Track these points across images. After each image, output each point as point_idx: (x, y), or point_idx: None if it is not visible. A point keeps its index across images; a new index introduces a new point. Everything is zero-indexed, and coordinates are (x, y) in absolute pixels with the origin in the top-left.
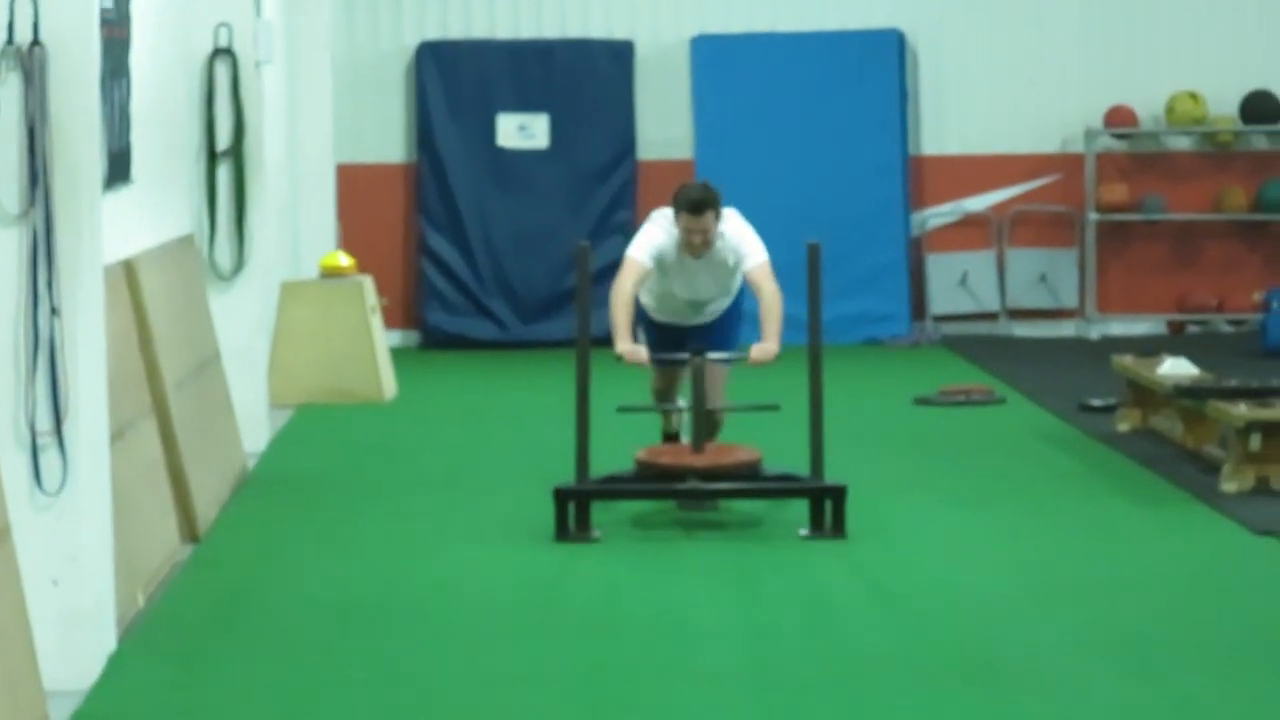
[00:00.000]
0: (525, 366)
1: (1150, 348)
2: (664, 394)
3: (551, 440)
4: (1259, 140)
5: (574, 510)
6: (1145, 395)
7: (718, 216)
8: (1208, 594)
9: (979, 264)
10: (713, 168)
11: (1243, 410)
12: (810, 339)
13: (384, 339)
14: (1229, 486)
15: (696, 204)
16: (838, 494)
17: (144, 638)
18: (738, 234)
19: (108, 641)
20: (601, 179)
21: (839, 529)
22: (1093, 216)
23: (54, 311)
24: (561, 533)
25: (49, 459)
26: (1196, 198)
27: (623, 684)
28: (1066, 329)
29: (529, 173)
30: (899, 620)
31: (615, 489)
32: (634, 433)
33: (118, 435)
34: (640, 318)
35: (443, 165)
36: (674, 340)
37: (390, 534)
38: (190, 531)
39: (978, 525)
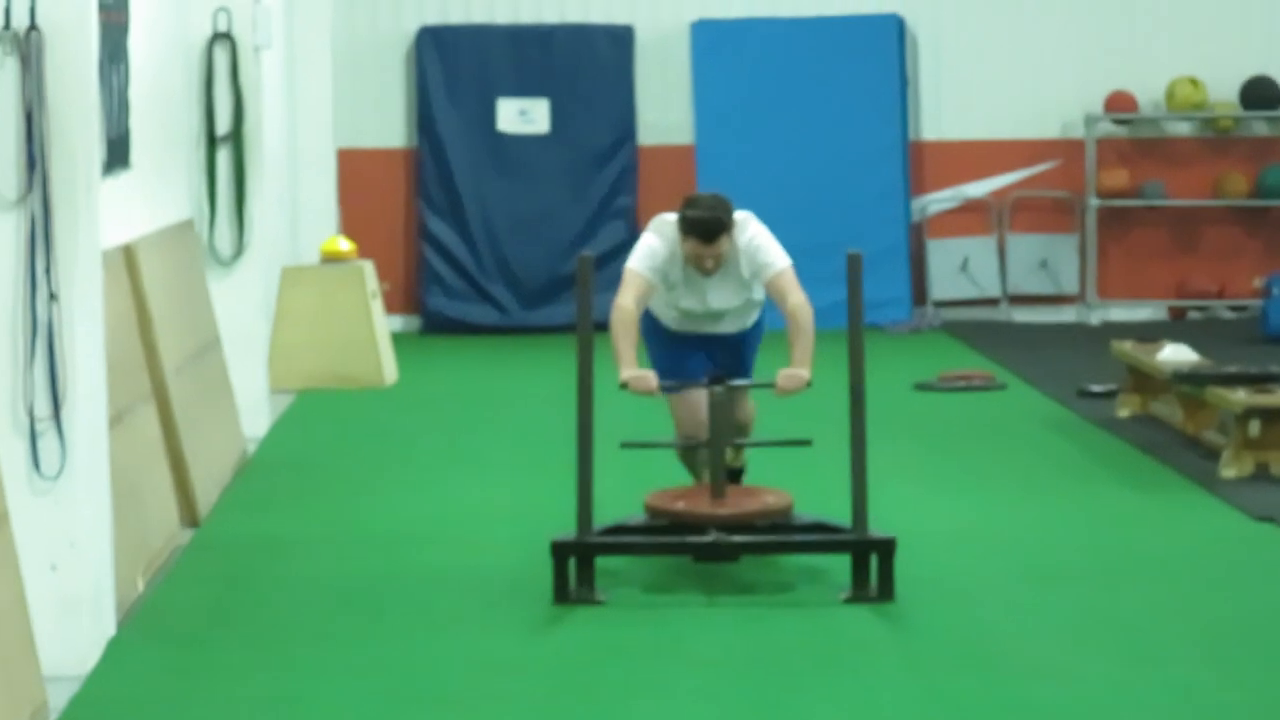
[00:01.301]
0: (526, 351)
1: (1151, 333)
2: (692, 459)
3: (553, 426)
4: (1259, 126)
5: (575, 567)
6: (1145, 381)
7: (730, 233)
8: (1206, 580)
9: (979, 249)
10: (713, 153)
11: (1242, 396)
12: (851, 369)
13: (384, 324)
14: (1228, 472)
15: (708, 231)
16: (885, 548)
17: (143, 623)
18: (754, 242)
19: (107, 627)
20: (602, 164)
21: (887, 590)
22: (1093, 202)
23: (52, 297)
24: (561, 594)
25: (47, 444)
26: (1197, 183)
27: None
28: (1067, 314)
29: (529, 157)
30: (894, 605)
31: (622, 543)
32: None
33: (116, 420)
34: (650, 328)
35: (443, 150)
36: (692, 349)
37: (390, 520)
38: (190, 516)
39: (977, 510)
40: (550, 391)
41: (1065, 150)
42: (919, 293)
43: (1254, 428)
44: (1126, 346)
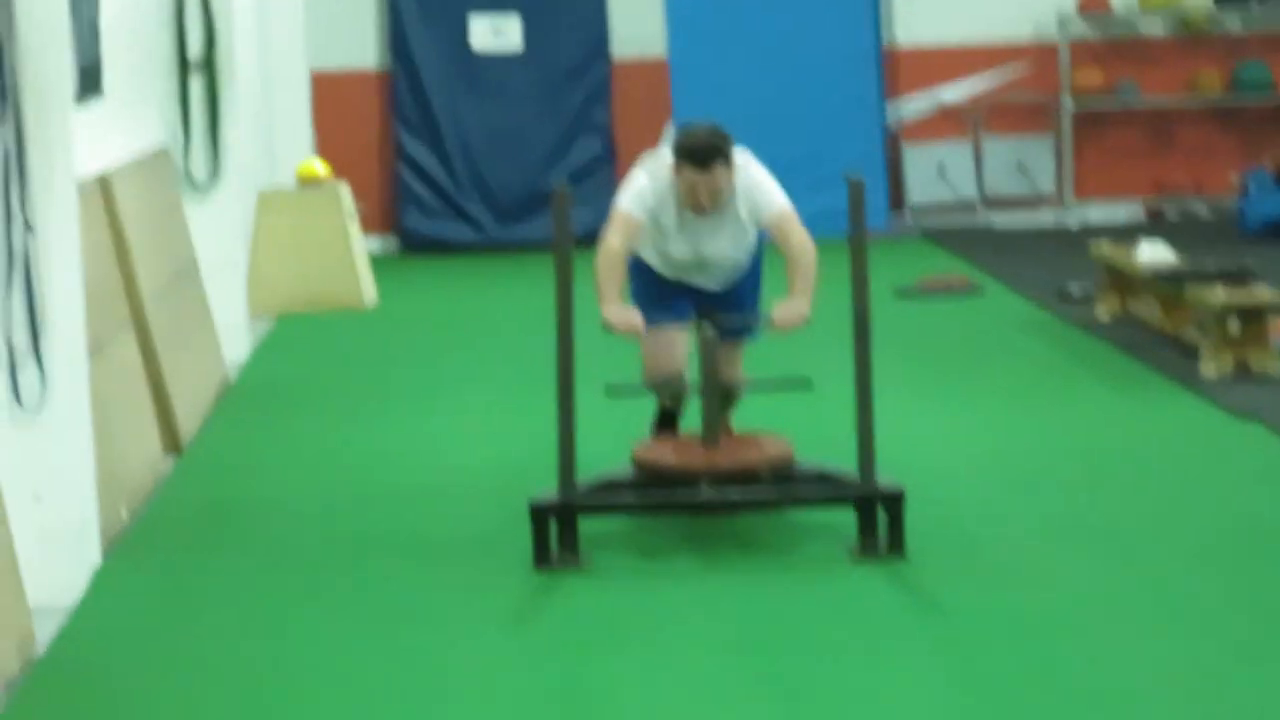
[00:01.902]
0: (503, 269)
1: (1128, 234)
2: (659, 377)
3: (532, 344)
4: (1232, 22)
5: (556, 529)
6: (1124, 281)
7: (729, 167)
8: (1189, 478)
9: (956, 154)
10: (687, 65)
11: (1220, 294)
12: (855, 302)
13: (362, 245)
14: (1208, 370)
15: (702, 154)
16: (893, 500)
17: (128, 552)
18: (751, 183)
19: (92, 557)
20: (575, 79)
21: (897, 544)
22: (1068, 103)
23: (28, 227)
24: (541, 558)
25: (27, 376)
26: (1171, 82)
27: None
28: (1045, 217)
29: (503, 75)
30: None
31: (608, 502)
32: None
33: (96, 349)
34: (637, 273)
35: (417, 70)
36: (680, 299)
37: (373, 442)
38: (173, 443)
39: (957, 416)
40: (529, 310)
41: (1039, 53)
42: (896, 199)
43: (1233, 325)
44: (1104, 247)
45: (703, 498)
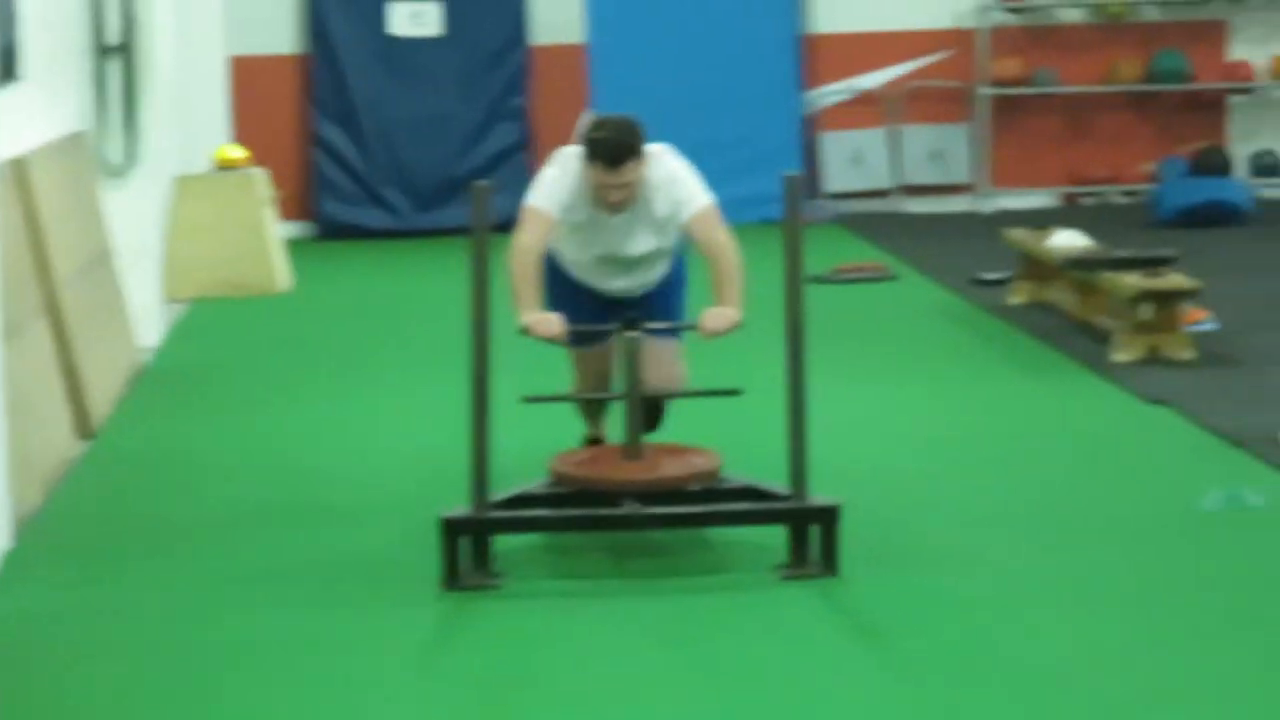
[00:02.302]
0: (419, 254)
1: (1044, 221)
2: (592, 405)
3: (448, 330)
4: (1150, 11)
5: (469, 546)
6: (1038, 268)
7: (640, 161)
8: (1102, 463)
9: (872, 141)
10: (605, 51)
11: (1133, 280)
12: (788, 306)
13: (278, 231)
14: (1121, 356)
15: (613, 153)
16: (828, 517)
17: (40, 537)
18: (670, 176)
19: (3, 542)
20: (494, 64)
21: (830, 564)
22: (985, 91)
23: None
24: (451, 579)
25: None
26: (1089, 70)
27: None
28: (960, 204)
29: (422, 60)
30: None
31: (523, 518)
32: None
33: (10, 334)
34: (554, 281)
35: (335, 55)
36: (601, 312)
37: (288, 427)
38: (85, 428)
39: (872, 402)
40: (445, 296)
41: (958, 40)
42: (812, 186)
43: (1145, 311)
44: (1018, 233)
45: (624, 513)
